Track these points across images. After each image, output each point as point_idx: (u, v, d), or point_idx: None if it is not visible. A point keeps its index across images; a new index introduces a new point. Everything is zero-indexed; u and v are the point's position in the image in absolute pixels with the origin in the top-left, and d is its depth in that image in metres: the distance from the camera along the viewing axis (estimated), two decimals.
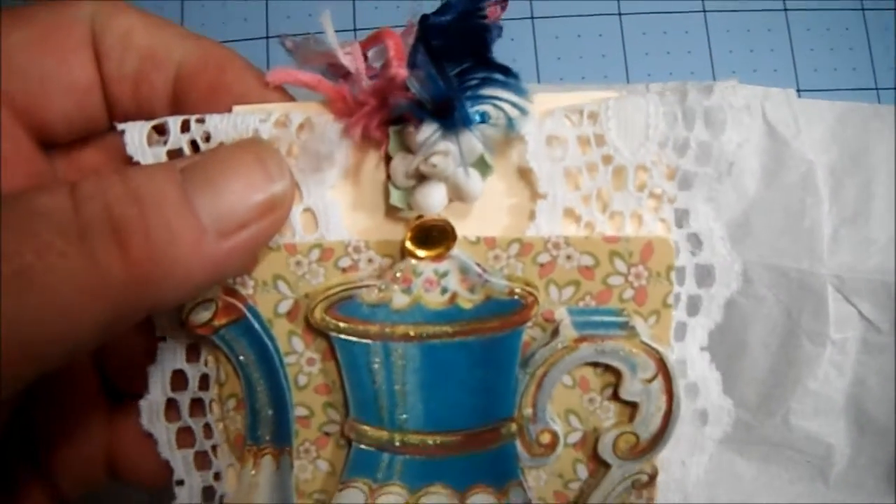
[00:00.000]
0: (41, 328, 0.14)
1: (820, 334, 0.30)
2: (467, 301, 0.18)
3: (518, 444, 0.19)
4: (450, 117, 0.17)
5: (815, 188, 0.29)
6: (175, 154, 0.18)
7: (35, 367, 0.15)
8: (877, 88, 0.42)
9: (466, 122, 0.17)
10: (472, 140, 0.17)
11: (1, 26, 0.18)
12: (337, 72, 0.18)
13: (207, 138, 0.18)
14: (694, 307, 0.19)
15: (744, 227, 0.30)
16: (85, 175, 0.16)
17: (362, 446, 0.19)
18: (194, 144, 0.18)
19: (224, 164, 0.16)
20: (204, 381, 0.20)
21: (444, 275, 0.18)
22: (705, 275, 0.19)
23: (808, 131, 0.29)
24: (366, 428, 0.19)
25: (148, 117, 0.18)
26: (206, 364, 0.19)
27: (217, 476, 0.20)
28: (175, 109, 0.19)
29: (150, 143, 0.18)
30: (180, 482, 0.20)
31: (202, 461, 0.20)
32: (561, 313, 0.18)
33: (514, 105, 0.17)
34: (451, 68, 0.17)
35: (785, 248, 0.30)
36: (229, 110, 0.18)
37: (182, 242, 0.15)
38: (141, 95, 0.19)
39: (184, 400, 0.20)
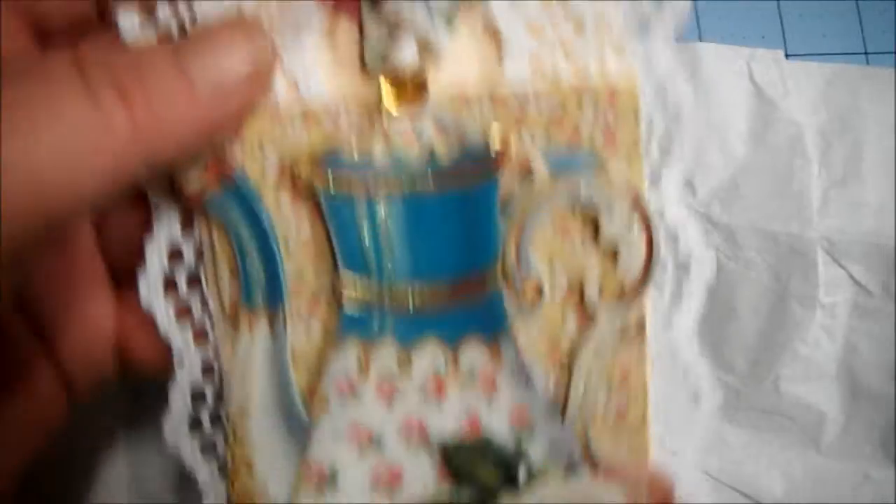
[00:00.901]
0: (48, 176, 0.15)
1: (809, 298, 0.30)
2: (445, 151, 0.20)
3: (505, 294, 0.20)
4: None
5: (805, 150, 0.29)
6: (164, 38, 0.20)
7: (41, 218, 0.16)
8: (866, 53, 0.43)
9: None
10: None
11: None
12: None
13: (194, 20, 0.19)
14: (665, 151, 0.21)
15: (732, 191, 0.30)
16: None
17: (353, 306, 0.20)
18: (182, 28, 0.20)
19: (213, 38, 0.18)
20: (199, 253, 0.21)
21: (421, 128, 0.20)
22: (673, 117, 0.20)
23: (796, 93, 0.29)
24: (355, 280, 0.20)
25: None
26: (199, 234, 0.20)
27: (215, 350, 0.21)
28: None
29: (141, 29, 0.20)
30: (180, 359, 0.21)
31: (201, 336, 0.21)
32: (535, 158, 0.20)
33: None
34: None
35: (774, 211, 0.30)
36: None
37: (178, 105, 0.17)
38: None
39: (180, 272, 0.21)
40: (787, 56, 0.30)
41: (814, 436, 0.31)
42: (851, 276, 0.30)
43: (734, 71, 0.28)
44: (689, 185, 0.28)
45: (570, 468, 0.21)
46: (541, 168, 0.20)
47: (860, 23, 0.43)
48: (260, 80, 0.19)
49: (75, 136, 0.15)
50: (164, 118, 0.17)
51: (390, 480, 0.21)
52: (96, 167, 0.16)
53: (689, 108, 0.22)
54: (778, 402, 0.30)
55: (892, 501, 0.29)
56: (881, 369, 0.30)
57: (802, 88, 0.29)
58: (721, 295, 0.30)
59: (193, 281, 0.21)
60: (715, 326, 0.30)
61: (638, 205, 0.20)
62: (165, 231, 0.21)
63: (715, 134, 0.27)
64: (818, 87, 0.29)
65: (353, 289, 0.20)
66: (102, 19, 0.21)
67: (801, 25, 0.42)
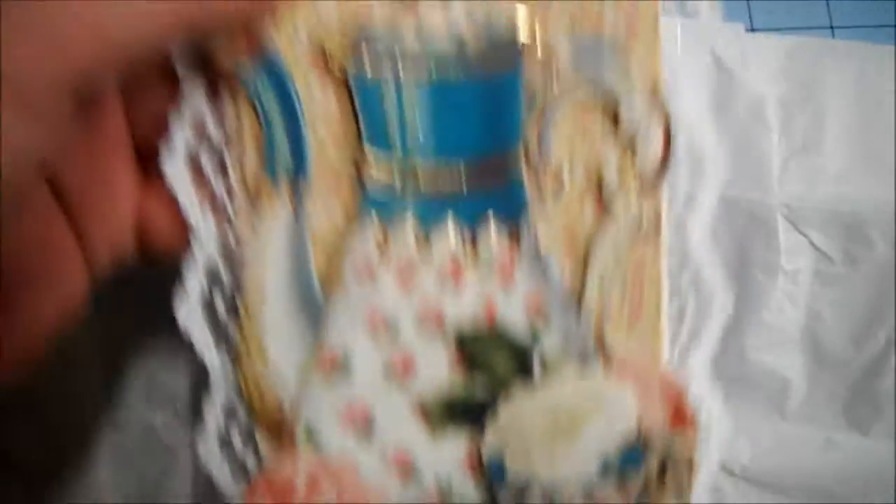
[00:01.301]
0: (111, 31, 0.16)
1: (771, 264, 0.31)
2: (474, 42, 0.20)
3: (526, 182, 0.21)
4: None
5: (765, 120, 0.30)
6: None
7: (100, 64, 0.17)
8: (832, 27, 0.44)
9: None
10: None
11: None
12: None
13: None
14: (686, 46, 0.21)
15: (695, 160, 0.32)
16: None
17: (375, 185, 0.21)
18: None
19: None
20: (224, 130, 0.21)
21: (452, 17, 0.20)
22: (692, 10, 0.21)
23: (757, 65, 0.30)
24: (377, 156, 0.21)
25: None
26: (226, 109, 0.21)
27: (231, 226, 0.21)
28: None
29: None
30: (194, 231, 0.21)
31: (221, 214, 0.21)
32: (559, 42, 0.20)
33: None
34: None
35: (735, 179, 0.30)
36: None
37: None
38: None
39: (204, 149, 0.21)
40: (752, 30, 0.32)
41: (779, 402, 0.32)
42: (812, 243, 0.31)
43: (696, 45, 0.28)
44: None
45: (584, 361, 0.21)
46: (565, 54, 0.20)
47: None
48: None
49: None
50: None
51: (404, 369, 0.21)
52: (167, 21, 0.17)
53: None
54: (744, 370, 0.31)
55: (855, 466, 0.31)
56: (843, 336, 0.32)
57: (764, 60, 0.30)
58: None
59: (217, 159, 0.21)
60: None
61: (656, 94, 0.21)
62: (192, 106, 0.21)
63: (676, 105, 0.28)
64: (779, 59, 0.30)
65: (376, 167, 0.21)
66: None
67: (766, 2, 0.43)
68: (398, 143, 0.20)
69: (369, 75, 0.20)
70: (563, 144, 0.21)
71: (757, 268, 0.31)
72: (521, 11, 0.21)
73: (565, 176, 0.21)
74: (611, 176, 0.21)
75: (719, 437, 0.25)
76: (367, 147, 0.21)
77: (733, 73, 0.29)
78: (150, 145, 0.22)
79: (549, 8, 0.21)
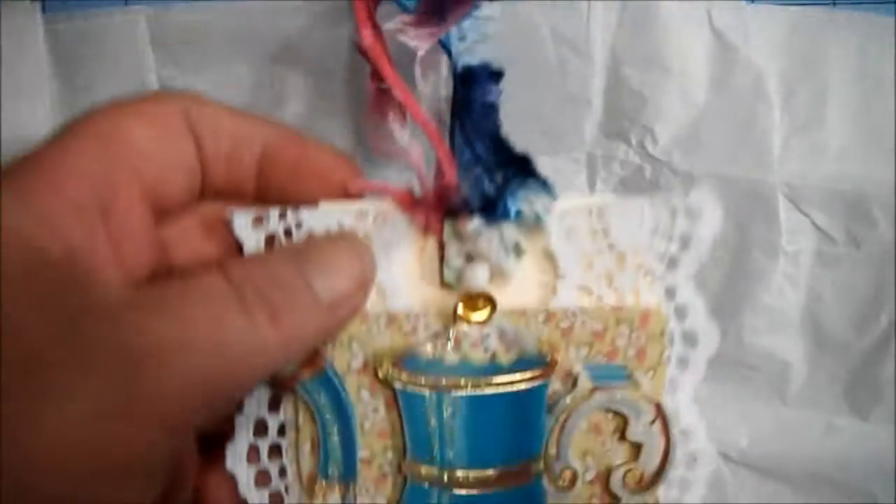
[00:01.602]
0: (209, 371, 0.19)
1: (772, 245, 0.30)
2: (505, 358, 0.23)
3: (545, 480, 0.24)
4: (493, 213, 0.23)
5: (766, 95, 0.29)
6: (270, 239, 0.23)
7: (205, 417, 0.20)
8: (833, 3, 0.42)
9: (506, 217, 0.23)
10: (510, 230, 0.23)
11: (124, 122, 0.23)
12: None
13: (299, 225, 0.23)
14: (683, 364, 0.25)
15: (693, 138, 0.30)
16: (189, 240, 0.23)
17: (416, 482, 0.24)
18: (287, 232, 0.23)
19: (329, 256, 0.22)
20: (281, 429, 0.24)
21: (487, 337, 0.24)
22: (691, 339, 0.25)
23: (758, 37, 0.29)
24: (420, 465, 0.24)
25: (236, 191, 0.24)
26: (285, 413, 0.24)
27: None
28: (260, 184, 0.24)
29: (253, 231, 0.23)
30: None
31: (276, 500, 0.24)
32: (579, 368, 0.24)
33: (542, 205, 0.23)
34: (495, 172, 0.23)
35: (735, 157, 0.30)
36: (315, 201, 0.24)
37: (310, 317, 0.21)
38: (232, 173, 0.24)
39: (263, 445, 0.24)
40: (752, 1, 0.29)
41: (778, 386, 0.31)
42: (814, 223, 0.30)
43: (694, 18, 0.28)
44: (650, 134, 0.30)
45: None
46: (584, 380, 0.24)
47: None
48: (366, 290, 0.23)
49: (232, 345, 0.19)
50: (299, 327, 0.21)
51: None
52: (253, 373, 0.20)
53: (704, 333, 0.26)
54: (743, 353, 0.31)
55: (855, 451, 0.31)
56: (844, 319, 0.31)
57: (765, 33, 0.29)
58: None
59: (274, 452, 0.24)
60: None
61: (660, 413, 0.24)
62: (254, 408, 0.24)
63: (675, 82, 0.29)
64: (781, 32, 0.29)
65: (419, 470, 0.24)
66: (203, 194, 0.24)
67: None
68: (437, 454, 0.24)
69: (413, 391, 0.23)
70: (577, 447, 0.24)
71: (757, 249, 0.30)
72: (546, 334, 0.24)
73: (578, 472, 0.24)
74: (618, 474, 0.24)
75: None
76: (409, 455, 0.24)
77: (733, 46, 0.28)
78: (213, 433, 0.24)
79: (572, 332, 0.24)
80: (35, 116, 0.30)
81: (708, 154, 0.30)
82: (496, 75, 0.24)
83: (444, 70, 0.24)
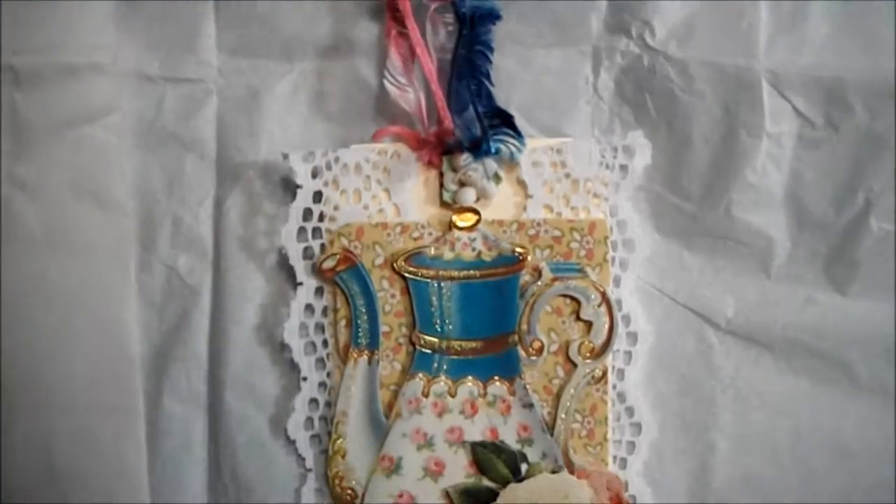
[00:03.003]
0: None
1: (756, 127, 0.33)
2: (488, 256, 0.32)
3: (519, 349, 0.33)
4: (479, 150, 0.32)
5: None
6: (317, 170, 0.33)
7: None
8: None
9: (488, 153, 0.32)
10: (491, 163, 0.33)
11: None
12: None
13: (336, 160, 0.33)
14: (623, 265, 0.33)
15: (686, 29, 0.34)
16: None
17: (422, 350, 0.33)
18: (328, 165, 0.33)
19: None
20: (324, 311, 0.33)
21: (474, 240, 0.33)
22: (629, 245, 0.33)
23: None
24: (425, 336, 0.33)
25: None
26: (326, 298, 0.33)
27: (329, 374, 0.33)
28: None
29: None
30: (305, 378, 0.33)
31: (320, 364, 0.33)
32: (543, 264, 0.33)
33: (515, 146, 0.32)
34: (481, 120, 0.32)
35: (724, 46, 0.33)
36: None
37: None
38: None
39: (311, 323, 0.33)
40: None
41: (763, 261, 0.34)
42: (795, 108, 0.33)
43: None
44: (649, 28, 0.34)
45: (556, 467, 0.33)
46: (547, 273, 0.33)
47: None
48: None
49: None
50: None
51: (437, 469, 0.33)
52: None
53: (639, 240, 0.35)
54: (731, 228, 0.34)
55: (833, 322, 0.34)
56: (824, 198, 0.34)
57: None
58: (677, 125, 0.34)
59: (318, 328, 0.34)
60: (672, 155, 0.34)
61: (605, 298, 0.33)
62: (303, 295, 0.33)
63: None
64: None
65: (424, 341, 0.33)
66: None
67: None
68: (438, 329, 0.33)
69: (420, 279, 0.33)
70: (543, 325, 0.33)
71: (742, 130, 0.33)
72: (518, 239, 0.33)
73: (545, 344, 0.33)
74: (574, 347, 0.33)
75: None
76: (418, 330, 0.33)
77: None
78: None
79: (537, 239, 0.33)
80: None
81: (699, 45, 0.34)
82: (495, 17, 0.33)
83: (451, 23, 0.33)
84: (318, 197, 0.34)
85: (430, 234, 0.34)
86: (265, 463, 0.35)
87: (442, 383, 0.34)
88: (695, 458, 0.35)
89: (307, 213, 0.34)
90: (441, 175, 0.34)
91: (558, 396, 0.34)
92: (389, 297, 0.34)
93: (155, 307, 0.36)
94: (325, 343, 0.34)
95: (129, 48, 0.35)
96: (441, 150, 0.33)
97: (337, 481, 0.34)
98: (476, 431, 0.34)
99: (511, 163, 0.33)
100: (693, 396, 0.35)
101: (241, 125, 0.35)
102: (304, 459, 0.35)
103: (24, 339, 0.36)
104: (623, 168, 0.34)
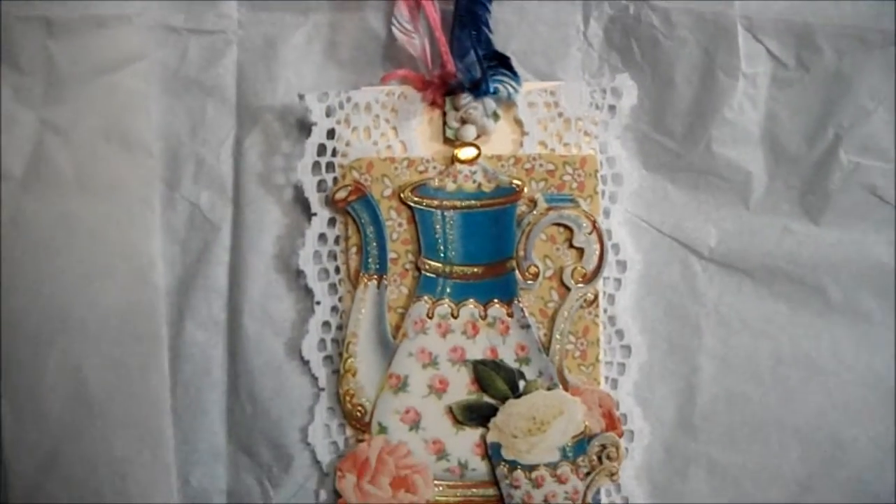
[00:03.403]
0: None
1: (733, 68, 0.36)
2: (487, 187, 0.36)
3: (517, 274, 0.36)
4: (479, 90, 0.35)
5: None
6: (330, 109, 0.36)
7: None
8: None
9: (487, 93, 0.35)
10: (490, 102, 0.36)
11: None
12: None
13: (349, 99, 0.36)
14: (613, 198, 0.36)
15: None
16: None
17: (427, 275, 0.36)
18: (340, 104, 0.36)
19: None
20: (336, 240, 0.36)
21: (475, 173, 0.36)
22: (618, 179, 0.36)
23: None
24: (430, 261, 0.36)
25: None
26: (338, 228, 0.36)
27: (340, 299, 0.36)
28: None
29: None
30: (318, 302, 0.36)
31: (332, 290, 0.36)
32: (538, 195, 0.36)
33: (512, 86, 0.35)
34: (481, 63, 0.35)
35: None
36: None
37: None
38: None
39: (324, 251, 0.36)
40: None
41: (742, 194, 0.37)
42: (769, 51, 0.36)
43: None
44: None
45: (551, 384, 0.36)
46: (542, 203, 0.36)
47: None
48: None
49: None
50: None
51: (440, 386, 0.36)
52: None
53: (627, 175, 0.38)
54: (712, 163, 0.37)
55: (807, 250, 0.37)
56: (798, 134, 0.37)
57: None
58: (661, 69, 0.37)
59: (330, 256, 0.36)
60: (656, 96, 0.38)
61: (595, 226, 0.36)
62: (317, 224, 0.36)
63: None
64: None
65: (428, 266, 0.36)
66: None
67: None
68: (441, 253, 0.36)
69: (425, 209, 0.36)
70: (538, 251, 0.36)
71: (720, 71, 0.36)
72: (515, 173, 0.36)
73: (540, 270, 0.36)
74: (567, 272, 0.36)
75: (641, 440, 0.38)
76: (423, 256, 0.36)
77: None
78: None
79: (533, 172, 0.36)
80: None
81: None
82: None
83: None
84: (331, 134, 0.37)
85: (435, 167, 0.37)
86: (280, 384, 0.38)
87: (445, 305, 0.37)
88: (681, 379, 0.38)
89: (321, 149, 0.37)
90: (444, 114, 0.37)
91: (553, 319, 0.37)
92: (397, 226, 0.37)
93: (178, 241, 0.39)
94: (337, 269, 0.38)
95: (155, 2, 0.39)
96: (444, 90, 0.37)
97: (348, 398, 0.37)
98: (477, 351, 0.37)
99: (508, 102, 0.37)
100: (679, 321, 0.38)
101: (259, 72, 0.39)
102: (317, 379, 0.38)
103: (57, 273, 0.39)
104: (611, 108, 0.37)
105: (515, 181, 0.36)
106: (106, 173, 0.39)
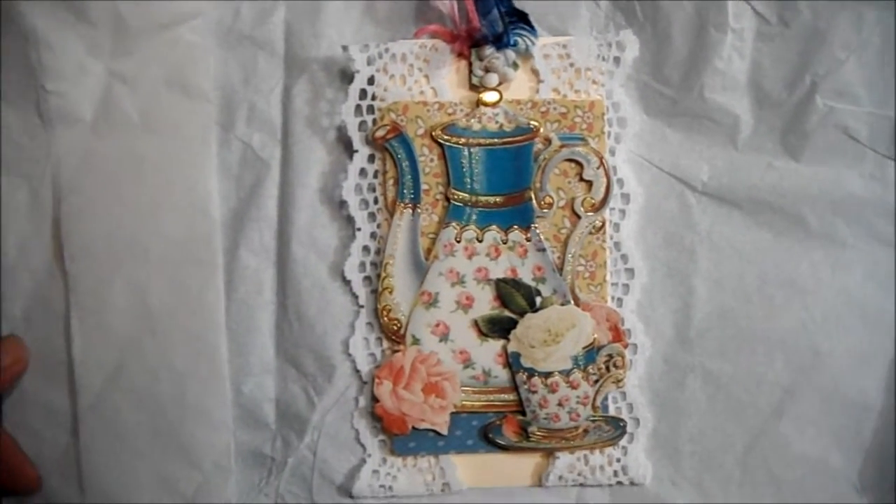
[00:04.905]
0: None
1: (722, 24, 0.42)
2: (508, 127, 0.42)
3: (533, 203, 0.42)
4: (501, 43, 0.41)
5: None
6: (370, 59, 0.42)
7: None
8: None
9: (508, 45, 0.42)
10: (510, 53, 0.42)
11: None
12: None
13: (387, 50, 0.42)
14: (617, 138, 0.42)
15: None
16: None
17: (455, 203, 0.42)
18: (380, 54, 0.42)
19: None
20: (375, 174, 0.42)
21: (497, 115, 0.43)
22: (622, 122, 0.42)
23: None
24: (458, 192, 0.42)
25: None
26: (378, 163, 0.42)
27: (378, 226, 0.42)
28: None
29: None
30: (359, 229, 0.42)
31: (371, 218, 0.42)
32: (552, 135, 0.43)
33: (529, 39, 0.41)
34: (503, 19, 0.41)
35: None
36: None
37: None
38: None
39: (364, 184, 0.42)
40: None
41: (731, 135, 0.43)
42: (754, 9, 0.42)
43: None
44: None
45: (564, 301, 0.42)
46: (555, 141, 0.42)
47: None
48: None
49: None
50: None
51: (467, 302, 0.42)
52: None
53: (631, 118, 0.44)
54: (704, 108, 0.43)
55: (789, 183, 0.42)
56: (780, 82, 0.43)
57: None
58: (659, 25, 0.43)
59: (369, 187, 0.42)
60: (655, 49, 0.44)
61: (602, 162, 0.42)
62: (358, 160, 0.42)
63: None
64: None
65: (456, 196, 0.42)
66: None
67: None
68: (468, 185, 0.42)
69: (454, 145, 0.42)
70: (552, 184, 0.43)
71: (711, 26, 0.42)
72: (532, 115, 0.42)
73: (554, 200, 0.42)
74: (578, 202, 0.42)
75: (643, 352, 0.44)
76: (452, 187, 0.42)
77: None
78: None
79: (547, 114, 0.42)
80: None
81: None
82: None
83: None
84: (371, 80, 0.43)
85: (462, 110, 0.43)
86: (325, 302, 0.44)
87: (471, 231, 0.43)
88: (678, 298, 0.45)
89: (363, 94, 0.43)
90: (470, 63, 0.43)
91: (566, 243, 0.43)
92: (429, 161, 0.43)
93: (233, 177, 0.45)
94: (375, 200, 0.44)
95: None
96: (470, 43, 0.43)
97: (385, 313, 0.43)
98: (499, 271, 0.43)
99: (526, 54, 0.43)
100: (676, 247, 0.45)
101: (304, 28, 0.45)
102: (357, 297, 0.44)
103: (123, 206, 0.45)
104: (616, 60, 0.44)
105: (532, 122, 0.43)
106: (168, 117, 0.45)
